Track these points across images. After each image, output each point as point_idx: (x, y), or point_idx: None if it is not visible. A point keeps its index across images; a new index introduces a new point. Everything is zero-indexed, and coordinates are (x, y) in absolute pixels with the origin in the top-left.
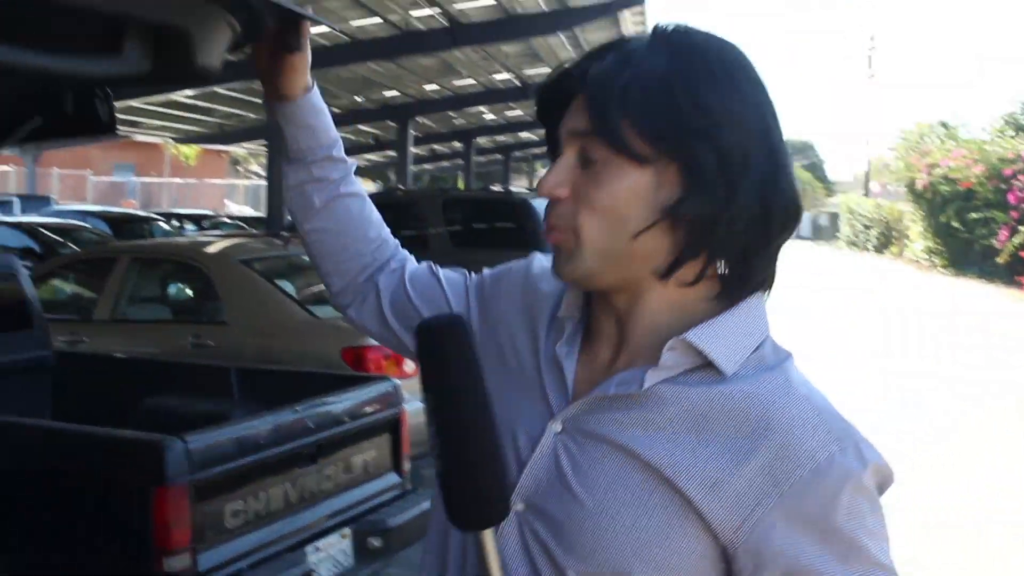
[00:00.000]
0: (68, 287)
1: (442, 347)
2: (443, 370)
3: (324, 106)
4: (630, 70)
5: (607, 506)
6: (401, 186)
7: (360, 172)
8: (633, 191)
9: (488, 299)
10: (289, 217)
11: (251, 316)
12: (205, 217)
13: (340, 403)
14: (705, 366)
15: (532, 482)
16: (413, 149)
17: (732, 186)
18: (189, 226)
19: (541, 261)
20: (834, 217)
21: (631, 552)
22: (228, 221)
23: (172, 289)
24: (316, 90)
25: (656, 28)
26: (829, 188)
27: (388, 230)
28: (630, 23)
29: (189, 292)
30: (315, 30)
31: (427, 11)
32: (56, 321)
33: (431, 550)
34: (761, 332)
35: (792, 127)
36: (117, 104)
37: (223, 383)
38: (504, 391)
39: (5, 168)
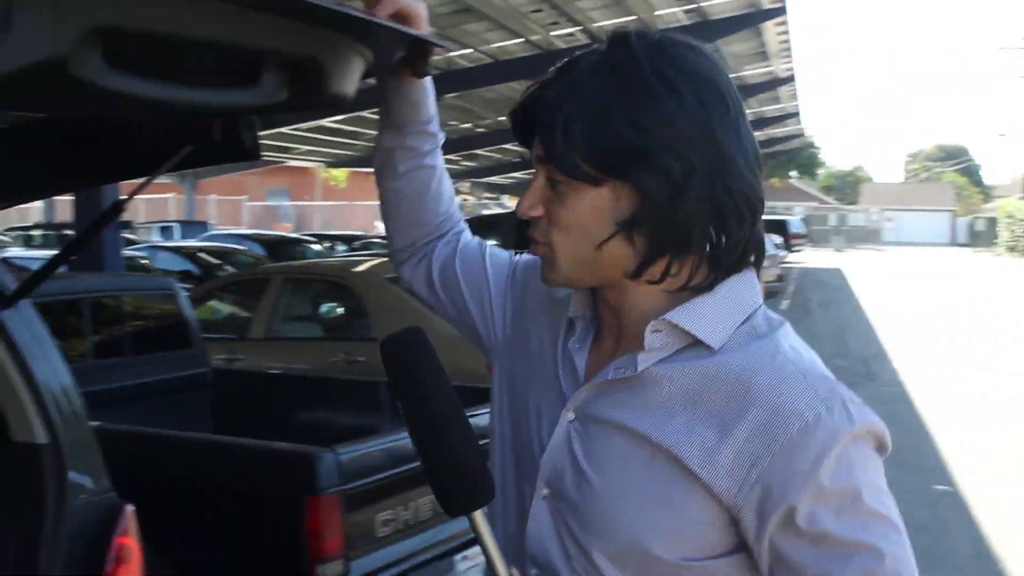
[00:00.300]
0: (225, 307)
1: (409, 358)
2: (413, 378)
3: (432, 87)
4: (573, 98)
5: (617, 485)
6: None
7: (505, 189)
8: (592, 208)
9: (521, 290)
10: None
11: None
12: (355, 238)
13: (487, 415)
14: (696, 343)
15: (551, 468)
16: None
17: (677, 197)
18: (340, 247)
19: None
20: (992, 222)
21: (644, 527)
22: (378, 241)
23: (323, 307)
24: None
25: (609, 41)
26: (986, 192)
27: (458, 208)
28: (772, 33)
29: (340, 310)
30: (456, 53)
31: (568, 30)
32: (214, 340)
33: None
34: (749, 305)
35: (945, 130)
36: (270, 132)
37: (373, 398)
38: (532, 382)
39: (166, 196)
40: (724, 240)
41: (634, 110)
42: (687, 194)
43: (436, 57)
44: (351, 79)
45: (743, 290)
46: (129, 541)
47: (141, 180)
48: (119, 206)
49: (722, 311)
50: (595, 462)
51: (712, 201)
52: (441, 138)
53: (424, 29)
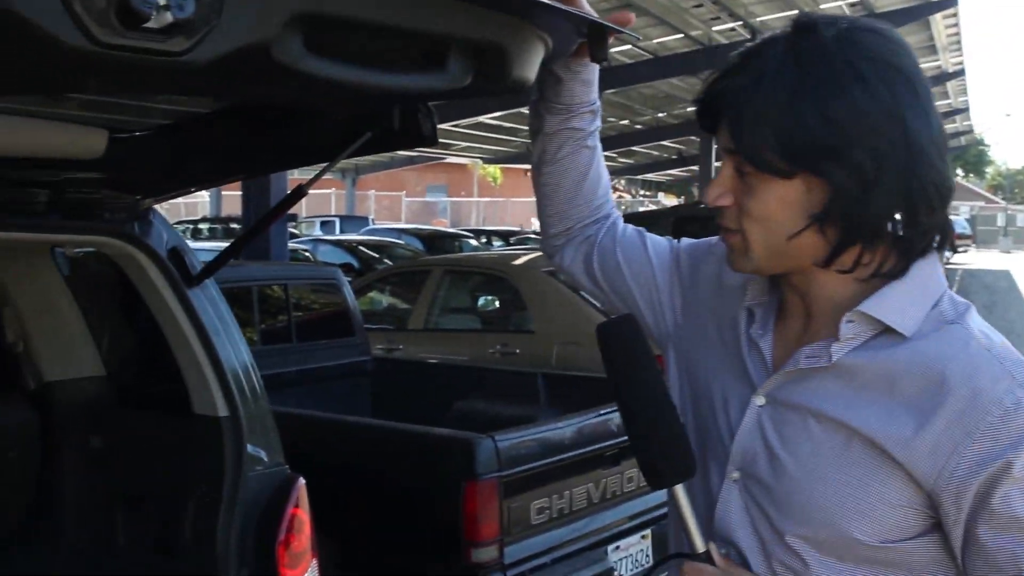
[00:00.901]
0: (385, 299)
1: (624, 341)
2: (626, 359)
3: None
4: (762, 91)
5: (813, 469)
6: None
7: (663, 187)
8: (783, 201)
9: (688, 277)
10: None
11: (557, 325)
12: (512, 233)
13: None
14: (886, 331)
15: (741, 452)
16: (716, 163)
17: (869, 188)
18: (497, 242)
19: None
20: None
21: (842, 509)
22: (534, 237)
23: (481, 300)
24: None
25: (795, 27)
26: None
27: (612, 193)
28: (942, 26)
29: (497, 303)
30: (616, 49)
31: (729, 25)
32: (374, 330)
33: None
34: (937, 290)
35: None
36: None
37: (530, 388)
38: (713, 369)
39: (327, 191)
40: (914, 228)
41: (824, 103)
42: (879, 186)
43: (617, 48)
44: (532, 65)
45: (929, 275)
46: (301, 512)
47: (310, 169)
48: (301, 190)
49: (912, 298)
50: (790, 446)
51: (903, 192)
52: (599, 122)
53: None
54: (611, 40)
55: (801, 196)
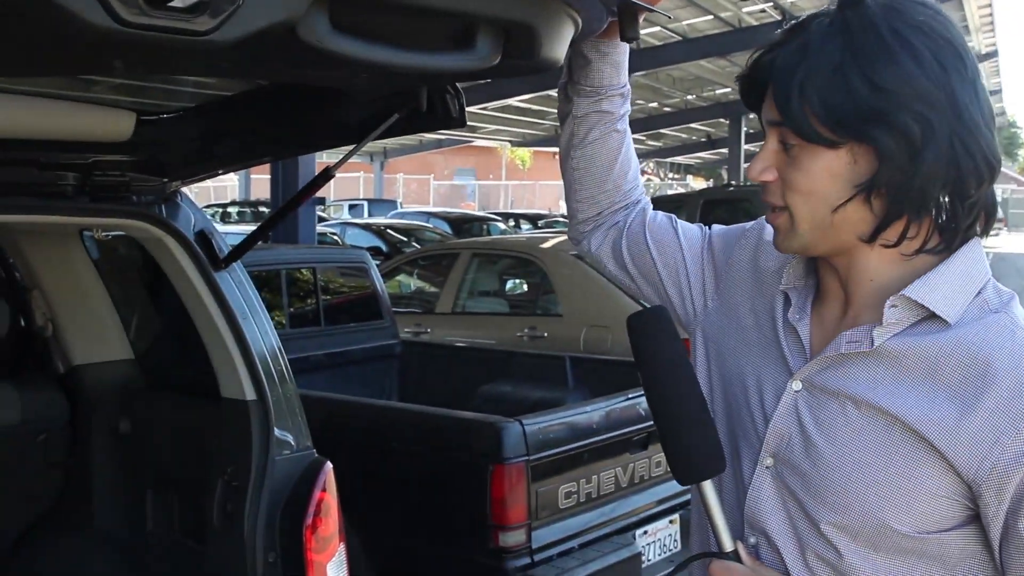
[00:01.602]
0: (413, 281)
1: (654, 333)
2: (655, 352)
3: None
4: (808, 60)
5: (851, 456)
6: (733, 182)
7: (691, 170)
8: (829, 171)
9: (720, 262)
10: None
11: (585, 308)
12: (540, 216)
13: None
14: (929, 317)
15: (776, 438)
16: (746, 146)
17: (917, 157)
18: (525, 225)
19: (772, 230)
20: None
21: (879, 498)
22: (562, 220)
23: (509, 283)
24: None
25: (839, 2)
26: None
27: (641, 178)
28: (975, 6)
29: (525, 286)
30: (645, 31)
31: (759, 5)
32: (402, 313)
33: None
34: (981, 277)
35: None
36: None
37: (558, 372)
38: (746, 354)
39: (356, 175)
40: (962, 201)
41: (871, 70)
42: (927, 154)
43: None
44: (562, 44)
45: (973, 262)
46: (328, 496)
47: (339, 152)
48: (329, 172)
49: (956, 285)
50: (826, 432)
51: (951, 161)
52: (629, 99)
53: None
54: (641, 19)
55: (847, 167)
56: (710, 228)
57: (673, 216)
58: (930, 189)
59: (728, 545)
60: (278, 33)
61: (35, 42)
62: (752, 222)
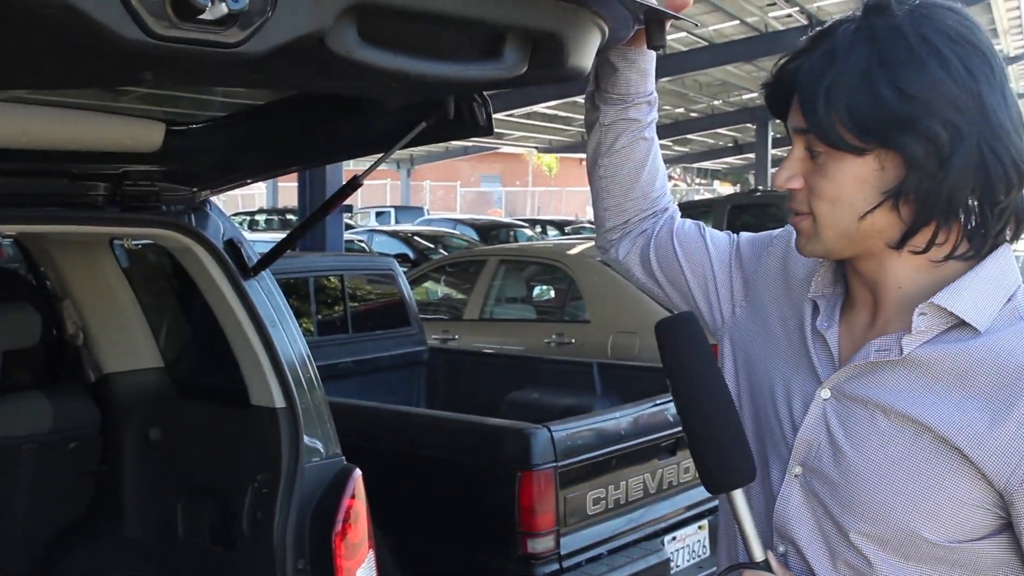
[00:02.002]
0: (440, 289)
1: (683, 340)
2: (685, 358)
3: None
4: (835, 67)
5: (880, 464)
6: (760, 187)
7: (718, 175)
8: (856, 179)
9: (749, 269)
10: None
11: (613, 314)
12: (567, 223)
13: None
14: (959, 324)
15: (805, 447)
16: (773, 151)
17: (946, 163)
18: (552, 231)
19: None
20: None
21: (909, 507)
22: (588, 226)
23: (536, 289)
24: None
25: (866, 8)
26: None
27: (668, 184)
28: (1003, 9)
29: (552, 292)
30: (671, 36)
31: (785, 10)
32: (429, 320)
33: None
34: (1011, 283)
35: None
36: None
37: (585, 378)
38: (775, 361)
39: (383, 182)
40: (991, 207)
41: (899, 77)
42: (955, 160)
43: (672, 36)
44: (589, 52)
45: (1003, 269)
46: (358, 503)
47: (366, 161)
48: (357, 181)
49: (986, 291)
50: (856, 441)
51: (980, 166)
52: (656, 107)
53: None
54: (668, 27)
55: (874, 174)
56: (738, 235)
57: (701, 223)
58: (959, 195)
59: (759, 554)
60: (307, 44)
61: (69, 55)
62: (780, 229)
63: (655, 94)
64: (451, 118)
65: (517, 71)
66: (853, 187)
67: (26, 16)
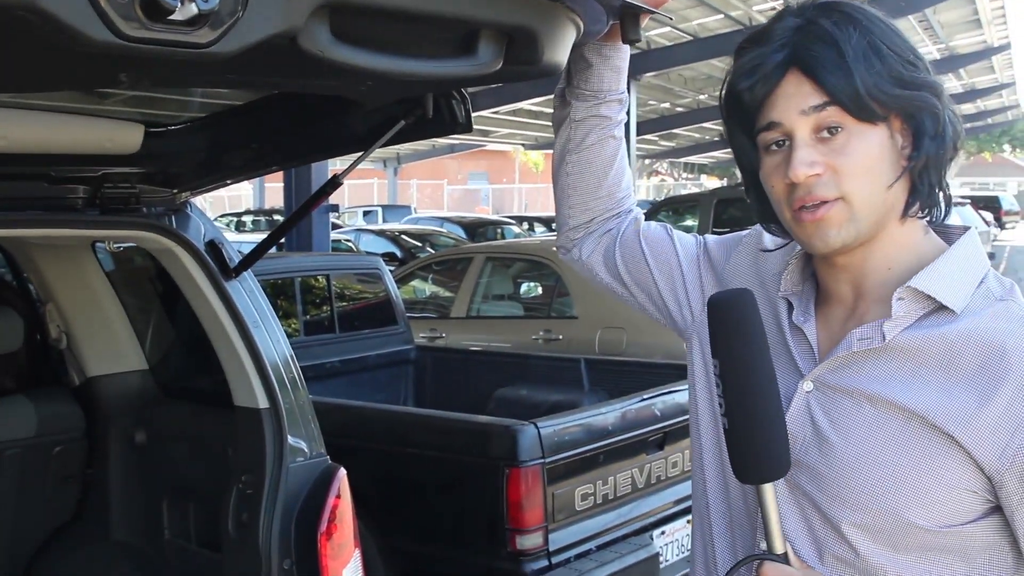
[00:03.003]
0: (427, 287)
1: (734, 317)
2: (735, 338)
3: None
4: (838, 43)
5: (868, 452)
6: None
7: (705, 169)
8: (880, 147)
9: (720, 270)
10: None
11: (600, 310)
12: (554, 219)
13: (687, 392)
14: (937, 309)
15: (790, 439)
16: None
17: (942, 121)
18: (539, 228)
19: (770, 236)
20: None
21: (898, 492)
22: None
23: (523, 286)
24: None
25: (815, 7)
26: None
27: (632, 190)
28: (987, 1)
29: (540, 289)
30: (655, 31)
31: (769, 4)
32: (417, 319)
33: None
34: (981, 267)
35: None
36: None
37: (573, 374)
38: None
39: (369, 181)
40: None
41: (892, 45)
42: (946, 114)
43: (656, 31)
44: (564, 48)
45: (973, 252)
46: (343, 503)
47: (351, 160)
48: (336, 180)
49: (959, 275)
50: (841, 429)
51: (953, 124)
52: (627, 107)
53: None
54: (644, 21)
55: (889, 142)
56: (704, 238)
57: (667, 225)
58: (944, 155)
59: (780, 547)
60: (279, 44)
61: (39, 58)
62: (747, 230)
63: (626, 94)
64: (430, 116)
65: (492, 67)
66: (878, 157)
67: None
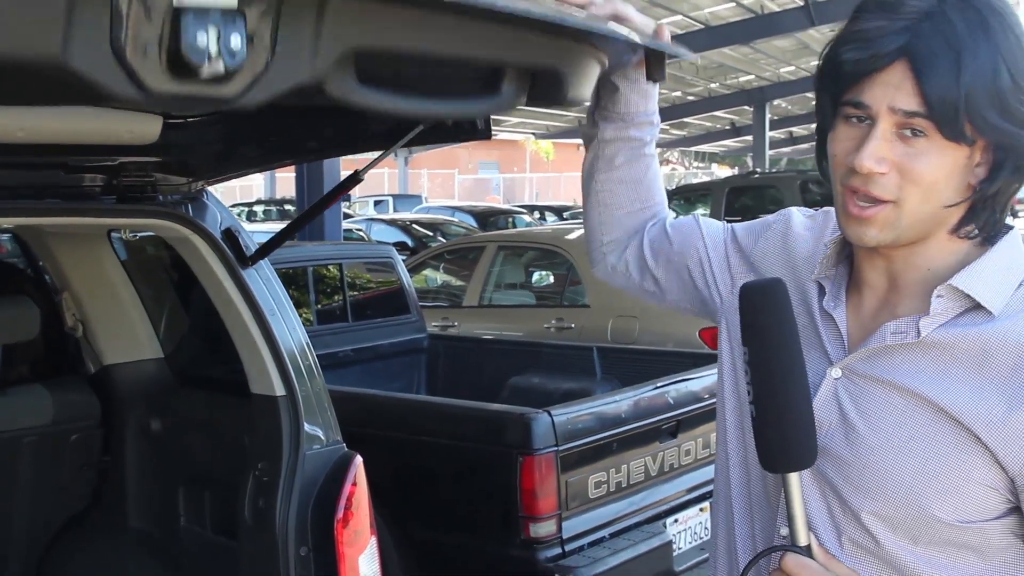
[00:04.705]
0: (439, 276)
1: (767, 308)
2: (766, 330)
3: None
4: (962, 56)
5: (895, 442)
6: (759, 169)
7: (716, 158)
8: (953, 167)
9: (749, 255)
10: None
11: (612, 298)
12: (565, 208)
13: (700, 380)
14: (974, 308)
15: (815, 424)
16: (770, 133)
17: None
18: (550, 217)
19: (800, 218)
20: None
21: (923, 484)
22: None
23: (535, 275)
24: None
25: None
26: None
27: (665, 198)
28: None
29: (551, 277)
30: (668, 19)
31: None
32: (429, 308)
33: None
34: (1022, 269)
35: None
36: None
37: (586, 362)
38: None
39: (380, 170)
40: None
41: (1018, 73)
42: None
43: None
44: (588, 83)
45: (1015, 254)
46: (359, 490)
47: (368, 154)
48: (357, 176)
49: (1001, 275)
50: (868, 417)
51: None
52: (658, 129)
53: (638, 24)
54: (667, 60)
55: (966, 163)
56: (731, 225)
57: (697, 215)
58: (1014, 187)
59: (803, 539)
60: (305, 93)
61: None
62: (774, 215)
63: (657, 115)
64: (450, 124)
65: (515, 104)
66: (949, 176)
67: (15, 72)
